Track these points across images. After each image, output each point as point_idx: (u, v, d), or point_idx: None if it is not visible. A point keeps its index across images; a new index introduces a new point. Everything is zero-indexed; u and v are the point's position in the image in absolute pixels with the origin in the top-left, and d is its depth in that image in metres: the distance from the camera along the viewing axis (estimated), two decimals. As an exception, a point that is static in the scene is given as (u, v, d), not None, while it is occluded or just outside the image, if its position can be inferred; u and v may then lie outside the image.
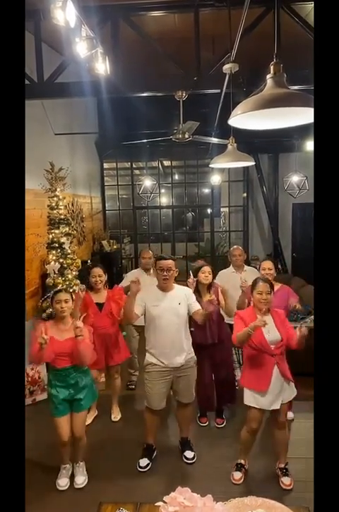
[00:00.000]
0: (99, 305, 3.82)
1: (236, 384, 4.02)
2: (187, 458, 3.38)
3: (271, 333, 2.93)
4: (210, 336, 3.69)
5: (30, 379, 4.45)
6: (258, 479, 3.18)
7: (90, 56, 3.14)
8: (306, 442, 3.43)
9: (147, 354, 3.27)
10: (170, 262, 3.20)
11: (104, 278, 3.89)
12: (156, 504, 1.59)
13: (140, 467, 3.30)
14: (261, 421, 3.05)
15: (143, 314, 3.24)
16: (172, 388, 3.33)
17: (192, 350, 3.33)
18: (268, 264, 3.78)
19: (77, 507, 2.91)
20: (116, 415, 4.11)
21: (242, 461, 3.21)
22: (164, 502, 1.54)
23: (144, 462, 3.32)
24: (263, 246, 8.99)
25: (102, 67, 3.34)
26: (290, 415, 3.88)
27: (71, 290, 4.02)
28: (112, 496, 2.81)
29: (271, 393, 2.91)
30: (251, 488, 3.01)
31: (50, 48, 5.11)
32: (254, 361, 2.96)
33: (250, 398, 2.98)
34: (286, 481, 3.05)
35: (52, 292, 3.23)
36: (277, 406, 2.94)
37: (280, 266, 8.62)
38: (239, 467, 3.18)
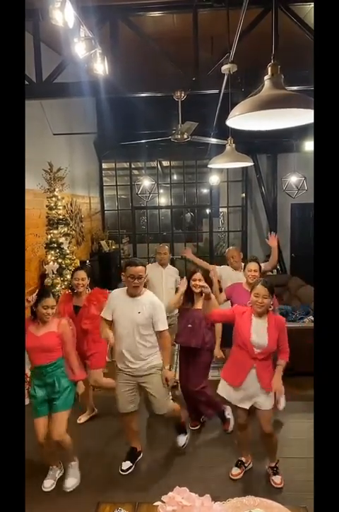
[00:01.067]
0: (76, 308, 3.68)
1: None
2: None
3: (259, 336, 2.88)
4: (187, 339, 3.55)
5: (29, 379, 4.44)
6: (258, 479, 3.19)
7: (88, 56, 3.15)
8: (305, 442, 3.43)
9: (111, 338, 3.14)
10: (140, 269, 3.01)
11: (86, 281, 3.72)
12: (154, 504, 1.59)
13: (122, 470, 3.20)
14: (244, 418, 3.04)
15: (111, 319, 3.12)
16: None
17: (157, 357, 3.14)
18: (253, 266, 3.74)
19: (76, 507, 2.91)
20: (82, 418, 4.01)
21: (243, 458, 3.22)
22: (163, 502, 1.55)
23: (126, 465, 3.24)
24: (262, 246, 8.99)
25: (101, 67, 3.35)
26: (282, 404, 3.86)
27: (68, 292, 3.95)
28: (110, 496, 2.82)
29: (242, 391, 2.93)
30: (250, 488, 3.01)
31: (49, 48, 5.11)
32: (236, 355, 2.99)
33: (222, 389, 3.05)
34: (276, 479, 3.06)
35: (38, 294, 3.09)
36: (246, 406, 2.96)
37: (278, 266, 8.63)
38: (239, 464, 3.19)
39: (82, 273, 3.70)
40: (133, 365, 3.07)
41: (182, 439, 3.46)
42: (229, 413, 3.76)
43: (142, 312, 3.00)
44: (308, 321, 5.08)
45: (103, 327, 3.12)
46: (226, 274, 4.36)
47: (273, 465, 3.12)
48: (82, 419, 4.00)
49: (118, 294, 3.16)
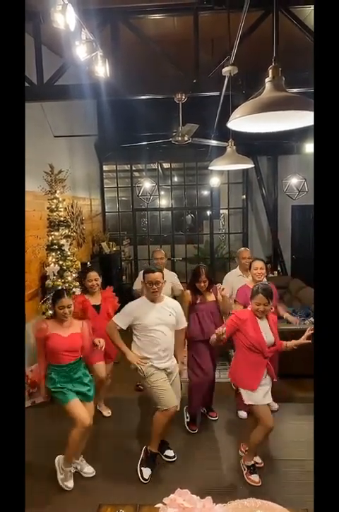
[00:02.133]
0: (96, 307, 3.90)
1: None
2: (168, 457, 3.46)
3: (268, 336, 3.09)
4: (206, 331, 3.69)
5: (29, 381, 4.45)
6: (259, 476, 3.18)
7: (89, 58, 3.15)
8: (306, 444, 3.43)
9: (148, 362, 3.24)
10: (159, 275, 3.20)
11: (100, 281, 3.99)
12: (155, 506, 1.59)
13: (144, 479, 3.20)
14: (271, 416, 3.14)
15: (126, 328, 3.29)
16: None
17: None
18: (259, 264, 3.90)
19: (76, 509, 2.91)
20: (107, 411, 4.24)
21: (258, 460, 3.30)
22: (164, 504, 1.54)
23: (147, 472, 3.24)
24: (263, 248, 8.99)
25: (102, 69, 3.36)
26: (274, 406, 3.97)
27: (71, 292, 4.07)
28: (111, 498, 2.82)
29: (262, 388, 3.08)
30: (251, 489, 3.01)
31: (50, 50, 5.12)
32: (248, 359, 3.09)
33: (248, 398, 3.10)
34: (255, 478, 3.14)
35: (53, 293, 3.36)
36: (269, 400, 3.13)
37: (279, 268, 8.63)
38: (255, 469, 3.20)
39: (94, 274, 3.94)
40: (168, 361, 3.28)
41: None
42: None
43: (172, 314, 3.27)
44: (309, 323, 5.07)
45: (114, 333, 3.29)
46: (231, 281, 4.41)
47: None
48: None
49: (139, 304, 3.32)
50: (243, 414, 4.01)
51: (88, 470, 3.29)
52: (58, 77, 4.19)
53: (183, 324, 3.44)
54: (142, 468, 3.26)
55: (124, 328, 3.27)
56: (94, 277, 3.92)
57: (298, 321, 3.24)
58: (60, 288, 4.33)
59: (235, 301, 3.99)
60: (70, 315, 3.17)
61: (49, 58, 4.80)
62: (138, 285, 4.64)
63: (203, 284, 3.73)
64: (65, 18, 2.53)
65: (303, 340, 3.14)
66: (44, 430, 3.92)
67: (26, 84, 4.03)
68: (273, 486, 3.07)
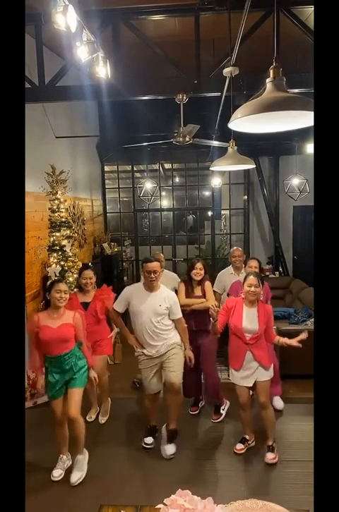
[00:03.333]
0: (86, 304, 3.88)
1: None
2: (167, 454, 3.51)
3: (251, 323, 3.27)
4: (194, 323, 3.88)
5: (30, 381, 4.45)
6: (261, 480, 3.18)
7: (90, 59, 3.16)
8: (307, 445, 3.42)
9: (139, 345, 3.51)
10: (156, 264, 3.41)
11: (94, 279, 3.98)
12: (156, 507, 1.59)
13: (146, 444, 3.59)
14: (245, 397, 3.40)
15: (123, 311, 3.58)
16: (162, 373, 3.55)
17: (176, 335, 3.56)
18: (253, 263, 4.13)
19: (77, 510, 2.91)
20: (91, 415, 4.19)
21: (246, 436, 3.56)
22: (165, 505, 1.54)
23: (149, 440, 3.60)
24: (264, 249, 8.98)
25: (103, 71, 3.36)
26: (280, 404, 4.14)
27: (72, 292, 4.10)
28: (112, 499, 2.81)
29: (243, 372, 3.32)
30: (252, 489, 3.01)
31: (51, 52, 5.13)
32: (233, 343, 3.38)
33: (231, 374, 3.44)
34: (269, 456, 3.37)
35: (50, 282, 3.44)
36: (249, 384, 3.33)
37: (280, 268, 8.62)
38: (243, 441, 3.55)
39: (90, 273, 3.96)
40: (155, 347, 3.43)
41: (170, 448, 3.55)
42: (224, 409, 4.09)
43: (162, 304, 3.41)
44: (311, 324, 5.07)
45: (116, 318, 3.62)
46: (223, 279, 4.56)
47: (271, 443, 3.43)
48: (92, 416, 4.15)
49: (134, 289, 3.56)
50: (280, 405, 4.16)
51: (73, 478, 3.17)
52: (60, 79, 4.19)
53: (177, 315, 3.52)
54: (144, 438, 3.64)
55: (121, 311, 3.56)
56: (88, 275, 3.91)
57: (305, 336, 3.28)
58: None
59: (228, 295, 4.20)
60: (64, 303, 3.20)
61: (51, 60, 4.82)
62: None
63: (197, 271, 3.92)
64: (66, 19, 2.53)
65: (295, 342, 3.24)
66: (45, 431, 3.92)
67: (27, 86, 4.04)
68: (274, 487, 3.07)
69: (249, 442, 3.56)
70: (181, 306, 3.65)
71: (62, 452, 3.35)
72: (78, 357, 3.25)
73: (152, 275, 3.36)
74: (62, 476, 3.25)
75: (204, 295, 3.99)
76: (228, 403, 4.10)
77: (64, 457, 3.35)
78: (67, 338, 3.17)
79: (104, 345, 4.00)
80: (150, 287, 3.44)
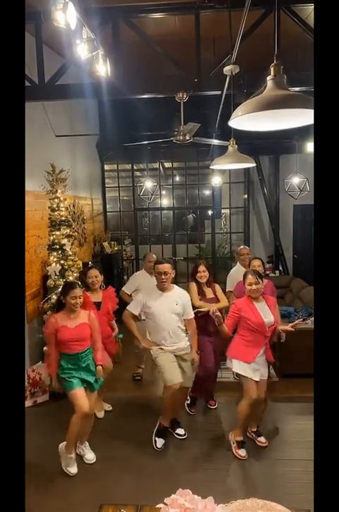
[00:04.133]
0: (97, 304, 3.91)
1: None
2: (179, 434, 3.71)
3: (267, 316, 3.38)
4: (211, 324, 3.82)
5: (31, 380, 4.45)
6: (261, 480, 3.17)
7: (90, 57, 3.15)
8: (307, 444, 3.42)
9: (153, 345, 3.59)
10: (167, 266, 3.52)
11: (101, 278, 4.04)
12: (157, 506, 1.59)
13: (157, 448, 3.57)
14: (256, 392, 3.38)
15: (139, 314, 3.64)
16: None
17: (187, 340, 3.66)
18: (257, 262, 4.18)
19: (77, 509, 2.91)
20: (100, 410, 4.20)
21: (261, 440, 3.58)
22: (165, 504, 1.54)
23: (161, 442, 3.61)
24: (264, 248, 8.98)
25: (103, 69, 3.35)
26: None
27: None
28: (113, 498, 2.81)
29: (254, 365, 3.39)
30: (253, 489, 3.00)
31: (51, 50, 5.12)
32: (247, 338, 3.41)
33: (237, 366, 3.44)
34: (262, 439, 3.54)
35: (64, 284, 3.56)
36: (257, 378, 3.39)
37: (280, 267, 8.61)
38: (243, 445, 3.50)
39: (95, 271, 4.03)
40: (176, 345, 3.53)
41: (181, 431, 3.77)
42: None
43: (178, 303, 3.54)
44: (311, 323, 5.06)
45: (130, 321, 3.64)
46: (236, 277, 4.49)
47: (255, 429, 3.62)
48: (99, 415, 4.13)
49: (149, 292, 3.63)
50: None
51: (89, 457, 3.44)
52: (60, 77, 4.18)
53: (189, 315, 3.63)
54: (156, 438, 3.62)
55: (136, 313, 3.62)
56: (94, 274, 3.98)
57: (299, 322, 3.51)
58: (72, 280, 4.40)
59: (231, 292, 4.35)
60: (80, 306, 3.32)
61: (50, 58, 4.80)
62: (130, 288, 4.67)
63: (201, 274, 3.98)
64: (66, 17, 2.52)
65: (289, 327, 3.42)
66: (45, 429, 3.92)
67: (27, 84, 4.03)
68: (275, 486, 3.06)
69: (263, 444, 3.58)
70: (195, 307, 3.79)
71: (74, 448, 3.39)
72: (93, 357, 3.39)
73: (163, 276, 3.48)
74: (77, 470, 3.32)
75: (216, 297, 4.08)
76: None
77: (73, 455, 3.36)
78: (84, 337, 3.31)
79: (110, 346, 4.07)
80: (163, 287, 3.54)
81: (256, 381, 3.40)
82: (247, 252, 4.73)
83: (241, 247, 4.93)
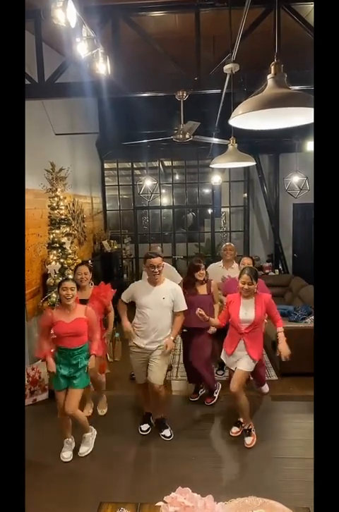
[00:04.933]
0: (83, 302, 3.82)
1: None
2: (165, 436, 3.74)
3: (247, 313, 3.46)
4: (194, 320, 3.87)
5: (30, 379, 4.45)
6: (262, 478, 3.18)
7: (90, 56, 3.14)
8: (305, 442, 3.43)
9: (132, 332, 3.64)
10: (159, 260, 3.55)
11: (89, 275, 3.98)
12: (157, 504, 1.59)
13: (142, 431, 3.76)
14: (236, 386, 3.48)
15: (128, 302, 3.71)
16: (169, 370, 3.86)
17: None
18: (247, 260, 4.24)
19: (77, 507, 2.91)
20: (102, 409, 4.24)
21: (241, 419, 3.73)
22: (165, 502, 1.54)
23: (145, 427, 3.79)
24: (264, 246, 8.98)
25: (103, 67, 3.35)
26: (266, 389, 4.36)
27: None
28: (112, 496, 2.82)
29: (232, 357, 3.55)
30: (253, 487, 3.01)
31: (51, 48, 5.11)
32: (230, 331, 3.61)
33: (223, 355, 3.70)
34: (247, 440, 3.55)
35: (60, 281, 3.58)
36: (233, 368, 3.56)
37: (280, 266, 8.62)
38: (237, 424, 3.76)
39: (84, 268, 3.98)
40: (151, 341, 3.56)
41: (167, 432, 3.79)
42: (216, 392, 4.36)
43: (166, 297, 3.56)
44: (310, 322, 5.07)
45: (121, 307, 3.72)
46: (213, 272, 4.59)
47: (246, 427, 3.62)
48: (90, 411, 4.15)
49: (139, 285, 3.76)
50: (265, 389, 4.35)
51: (81, 450, 3.51)
52: (60, 75, 4.18)
53: (182, 307, 3.65)
54: (140, 425, 3.82)
55: (126, 301, 3.70)
56: (83, 271, 3.91)
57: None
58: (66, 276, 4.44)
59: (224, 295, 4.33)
60: (74, 299, 3.35)
61: (50, 56, 4.79)
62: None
63: (201, 272, 4.07)
64: (65, 15, 2.52)
65: (283, 354, 3.48)
66: (45, 427, 3.92)
67: (27, 82, 4.02)
68: (274, 484, 3.07)
69: (243, 425, 3.69)
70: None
71: (66, 436, 3.51)
72: (86, 356, 3.42)
73: (155, 269, 3.50)
74: (71, 457, 3.44)
75: (210, 294, 4.17)
76: (220, 384, 4.43)
77: (69, 440, 3.51)
78: (80, 332, 3.35)
79: (100, 344, 3.96)
80: (154, 281, 3.57)
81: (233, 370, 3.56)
82: (230, 248, 4.81)
83: (227, 243, 5.05)
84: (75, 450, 3.51)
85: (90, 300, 3.88)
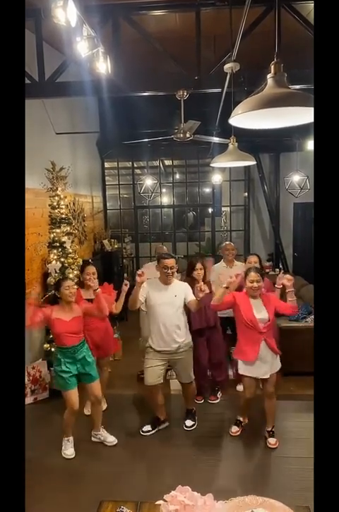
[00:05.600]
0: (89, 301, 3.85)
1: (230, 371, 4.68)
2: (186, 426, 3.85)
3: (261, 313, 3.41)
4: (204, 320, 4.12)
5: (31, 378, 4.46)
6: (262, 477, 3.18)
7: (91, 55, 3.14)
8: (308, 442, 3.43)
9: (149, 339, 3.71)
10: (172, 261, 3.63)
11: (96, 275, 3.97)
12: (156, 503, 1.60)
13: (143, 431, 3.78)
14: (254, 389, 3.51)
15: (144, 300, 3.70)
16: (172, 369, 3.87)
17: (188, 335, 3.77)
18: (253, 258, 4.21)
19: (78, 505, 2.92)
20: (102, 405, 4.17)
21: (241, 418, 3.75)
22: (165, 501, 1.55)
23: (146, 428, 3.80)
24: (264, 246, 8.98)
25: (103, 66, 3.34)
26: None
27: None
28: (112, 495, 2.82)
29: (259, 362, 3.40)
30: (253, 486, 3.01)
31: (51, 47, 5.11)
32: (245, 335, 3.45)
33: (242, 367, 3.50)
34: (272, 441, 3.52)
35: (56, 281, 3.63)
36: (267, 375, 3.41)
37: (280, 265, 8.61)
38: (237, 423, 3.75)
39: (92, 268, 4.00)
40: (172, 344, 3.61)
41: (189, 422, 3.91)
42: (219, 393, 4.43)
43: (178, 295, 3.64)
44: (311, 321, 5.07)
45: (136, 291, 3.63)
46: (218, 272, 4.55)
47: (270, 428, 3.60)
48: (90, 410, 4.09)
49: (152, 283, 3.73)
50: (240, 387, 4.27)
51: (110, 440, 3.63)
52: (60, 74, 4.18)
53: (192, 297, 3.67)
54: (143, 427, 3.82)
55: (142, 300, 3.68)
56: (91, 271, 3.93)
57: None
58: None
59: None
60: (74, 296, 3.43)
61: (51, 55, 4.79)
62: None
63: (198, 271, 4.03)
64: (66, 14, 2.52)
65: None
66: (45, 426, 3.93)
67: (27, 81, 4.02)
68: (275, 483, 3.07)
69: (243, 424, 3.74)
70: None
71: (68, 435, 3.55)
72: (88, 349, 3.52)
73: (169, 270, 3.59)
74: (74, 454, 3.49)
75: (211, 292, 4.07)
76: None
77: (71, 438, 3.56)
78: (79, 330, 3.43)
79: (109, 345, 4.09)
80: (167, 281, 3.64)
81: (257, 379, 3.47)
82: (231, 248, 4.80)
83: (226, 242, 5.03)
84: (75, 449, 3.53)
85: (95, 299, 3.91)
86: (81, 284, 4.02)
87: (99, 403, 3.58)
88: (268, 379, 3.44)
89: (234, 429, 3.72)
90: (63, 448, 3.52)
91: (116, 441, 3.62)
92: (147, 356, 3.72)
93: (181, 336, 3.66)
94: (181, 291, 3.68)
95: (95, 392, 3.51)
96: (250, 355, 3.40)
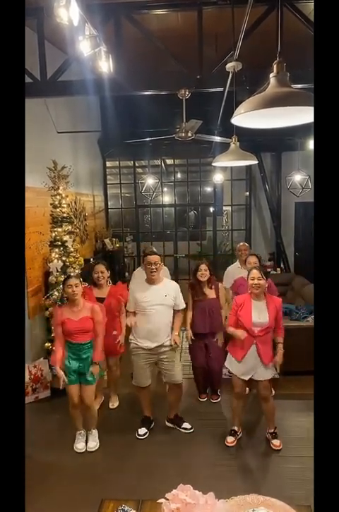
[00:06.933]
0: (101, 300, 3.91)
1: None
2: (185, 429, 3.79)
3: (260, 316, 3.35)
4: (208, 325, 4.12)
5: (32, 376, 4.47)
6: (262, 476, 3.19)
7: (93, 54, 3.14)
8: (306, 441, 3.44)
9: (134, 338, 3.63)
10: (156, 257, 3.54)
11: (107, 274, 4.06)
12: (158, 501, 1.60)
13: (139, 435, 3.71)
14: (242, 388, 3.52)
15: (135, 309, 3.64)
16: (159, 369, 3.77)
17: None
18: (252, 259, 4.22)
19: (79, 504, 2.93)
20: (113, 403, 4.31)
21: (235, 428, 3.66)
22: (166, 499, 1.55)
23: (143, 431, 3.73)
24: (266, 245, 8.97)
25: (105, 65, 3.35)
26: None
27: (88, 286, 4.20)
28: (114, 493, 2.83)
29: (244, 365, 3.41)
30: (253, 485, 3.02)
31: (53, 46, 5.11)
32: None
33: (228, 361, 3.56)
34: (276, 442, 3.49)
35: (64, 279, 3.61)
36: (245, 377, 3.42)
37: (282, 265, 8.61)
38: (232, 433, 3.64)
39: (101, 267, 4.07)
40: (158, 342, 3.54)
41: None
42: (220, 391, 4.45)
43: (168, 295, 3.55)
44: (312, 320, 5.07)
45: (129, 318, 3.65)
46: (232, 275, 4.65)
47: (272, 430, 3.56)
48: (96, 406, 4.12)
49: (137, 285, 3.71)
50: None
51: (90, 445, 3.57)
52: (62, 73, 4.17)
53: (181, 305, 3.67)
54: (138, 429, 3.75)
55: (133, 310, 3.63)
56: (100, 269, 4.00)
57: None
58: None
59: (236, 293, 4.29)
60: (79, 296, 3.43)
61: (53, 54, 4.79)
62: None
63: (202, 272, 4.06)
64: (68, 13, 2.52)
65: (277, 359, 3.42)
66: (46, 425, 3.94)
67: (29, 80, 4.02)
68: (275, 483, 3.07)
69: (238, 434, 3.65)
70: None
71: (79, 428, 3.60)
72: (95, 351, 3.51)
73: (153, 266, 3.49)
74: (84, 448, 3.53)
75: (217, 296, 4.19)
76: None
77: (82, 432, 3.61)
78: (88, 330, 3.44)
79: (112, 344, 4.06)
80: (152, 280, 3.55)
81: (243, 380, 3.44)
82: (245, 248, 4.75)
83: (241, 243, 4.98)
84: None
85: (107, 298, 3.96)
86: (94, 283, 4.05)
87: (88, 407, 3.53)
88: (259, 382, 3.41)
89: (230, 439, 3.61)
90: (75, 441, 3.58)
91: (95, 448, 3.56)
92: (134, 356, 3.66)
93: (168, 335, 3.60)
94: (171, 291, 3.60)
95: (86, 397, 3.47)
96: (238, 353, 3.43)
